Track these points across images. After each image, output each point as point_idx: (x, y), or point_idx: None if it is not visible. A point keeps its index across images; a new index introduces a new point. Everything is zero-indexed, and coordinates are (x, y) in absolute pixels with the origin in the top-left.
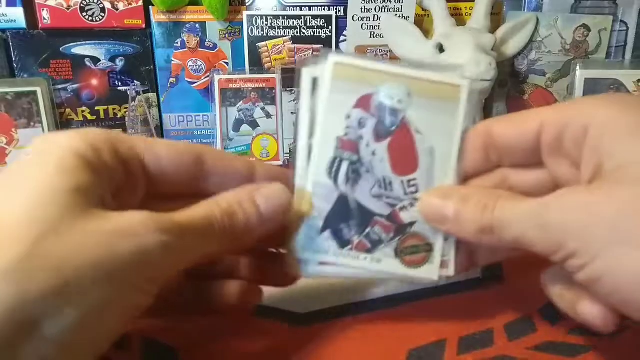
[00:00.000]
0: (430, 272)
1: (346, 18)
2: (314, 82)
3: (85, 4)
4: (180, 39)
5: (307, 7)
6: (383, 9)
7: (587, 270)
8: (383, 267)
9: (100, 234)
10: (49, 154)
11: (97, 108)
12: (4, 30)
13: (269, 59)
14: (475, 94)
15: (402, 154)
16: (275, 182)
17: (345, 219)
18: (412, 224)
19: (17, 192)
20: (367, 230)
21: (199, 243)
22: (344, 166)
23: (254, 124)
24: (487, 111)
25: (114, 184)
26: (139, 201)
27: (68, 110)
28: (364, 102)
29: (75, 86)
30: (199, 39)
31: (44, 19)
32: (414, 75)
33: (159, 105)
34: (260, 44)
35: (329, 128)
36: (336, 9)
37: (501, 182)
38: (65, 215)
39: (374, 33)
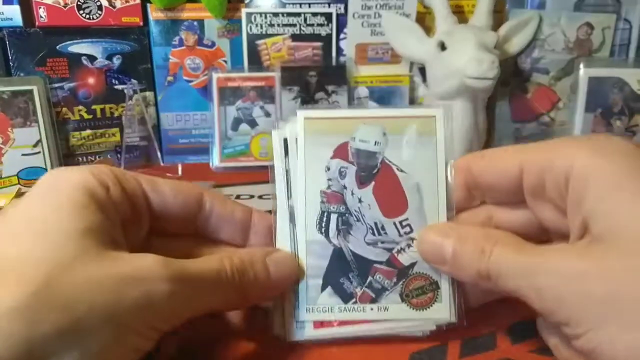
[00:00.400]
0: (441, 311)
1: (346, 15)
2: (285, 143)
3: (82, 1)
4: (178, 37)
5: (306, 4)
6: (384, 7)
7: (582, 340)
8: (391, 315)
9: (110, 277)
10: (61, 192)
11: (93, 107)
12: (0, 29)
13: (268, 57)
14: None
15: (389, 195)
16: (284, 250)
17: (344, 272)
18: (413, 265)
19: (31, 229)
20: (369, 279)
21: (205, 295)
22: (333, 219)
23: (252, 123)
24: (490, 111)
25: (120, 218)
26: (144, 236)
27: (64, 109)
28: (340, 152)
29: (71, 85)
30: (197, 36)
31: (41, 17)
32: (385, 114)
33: (156, 104)
34: (259, 42)
35: (311, 184)
36: (336, 6)
37: (487, 219)
38: (78, 256)
39: (375, 31)
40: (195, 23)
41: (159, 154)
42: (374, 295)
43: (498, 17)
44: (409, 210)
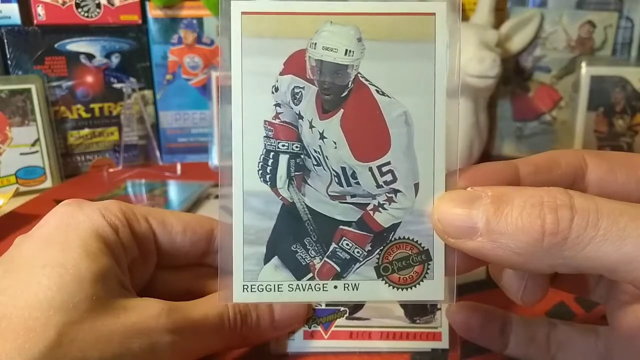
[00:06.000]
0: (432, 291)
1: None
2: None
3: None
4: (177, 35)
5: None
6: None
7: None
8: (363, 295)
9: (117, 329)
10: (72, 236)
11: (91, 106)
12: None
13: None
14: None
15: (364, 129)
16: None
17: (298, 236)
18: (395, 227)
19: (44, 275)
20: (332, 247)
21: (206, 342)
22: (282, 162)
23: None
24: (491, 109)
25: (128, 260)
26: (150, 273)
27: (63, 108)
28: (295, 64)
29: (69, 83)
30: (196, 35)
31: (39, 15)
32: (362, 10)
33: (155, 103)
34: None
35: (250, 111)
36: None
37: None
38: (88, 307)
39: None
40: (194, 21)
41: (157, 152)
42: (338, 269)
43: (499, 15)
44: (392, 150)
